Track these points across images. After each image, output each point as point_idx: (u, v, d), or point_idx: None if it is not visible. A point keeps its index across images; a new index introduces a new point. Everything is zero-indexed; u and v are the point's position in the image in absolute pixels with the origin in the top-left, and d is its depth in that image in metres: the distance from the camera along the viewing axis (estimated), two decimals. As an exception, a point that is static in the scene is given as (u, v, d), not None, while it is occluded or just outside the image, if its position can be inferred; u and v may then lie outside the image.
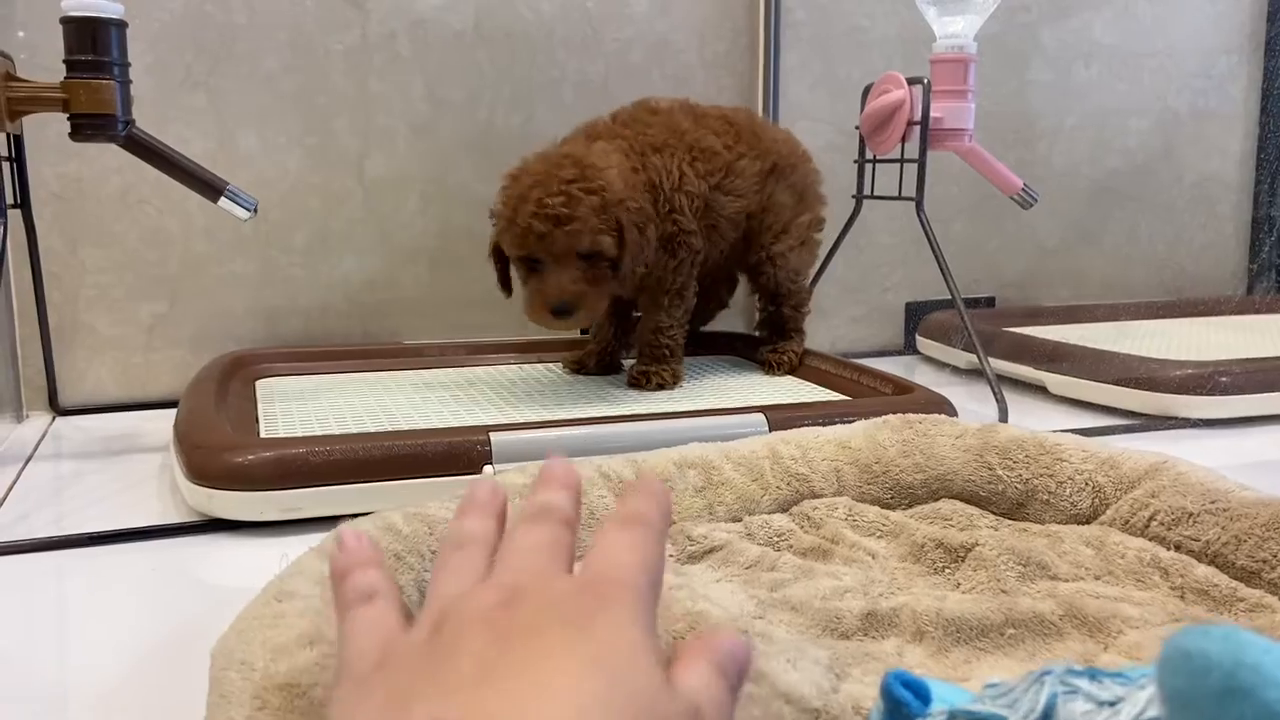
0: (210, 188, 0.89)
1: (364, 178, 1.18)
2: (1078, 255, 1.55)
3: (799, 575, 0.54)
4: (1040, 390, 1.13)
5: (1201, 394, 0.99)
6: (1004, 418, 0.96)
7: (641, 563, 0.30)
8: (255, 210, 0.90)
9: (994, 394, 0.97)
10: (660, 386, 1.00)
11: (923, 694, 0.36)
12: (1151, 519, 0.58)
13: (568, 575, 0.31)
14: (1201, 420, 0.99)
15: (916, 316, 1.40)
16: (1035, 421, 1.01)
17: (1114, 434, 0.98)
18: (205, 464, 0.73)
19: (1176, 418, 1.00)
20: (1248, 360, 1.06)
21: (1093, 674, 0.30)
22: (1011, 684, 0.32)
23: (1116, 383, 1.04)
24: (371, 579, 0.33)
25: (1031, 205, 1.14)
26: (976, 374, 1.19)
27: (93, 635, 0.57)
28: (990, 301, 1.49)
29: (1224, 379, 1.00)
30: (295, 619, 0.42)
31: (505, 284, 0.97)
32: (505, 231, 0.89)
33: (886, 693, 0.36)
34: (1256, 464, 0.89)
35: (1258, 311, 1.51)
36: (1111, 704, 0.28)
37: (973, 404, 1.02)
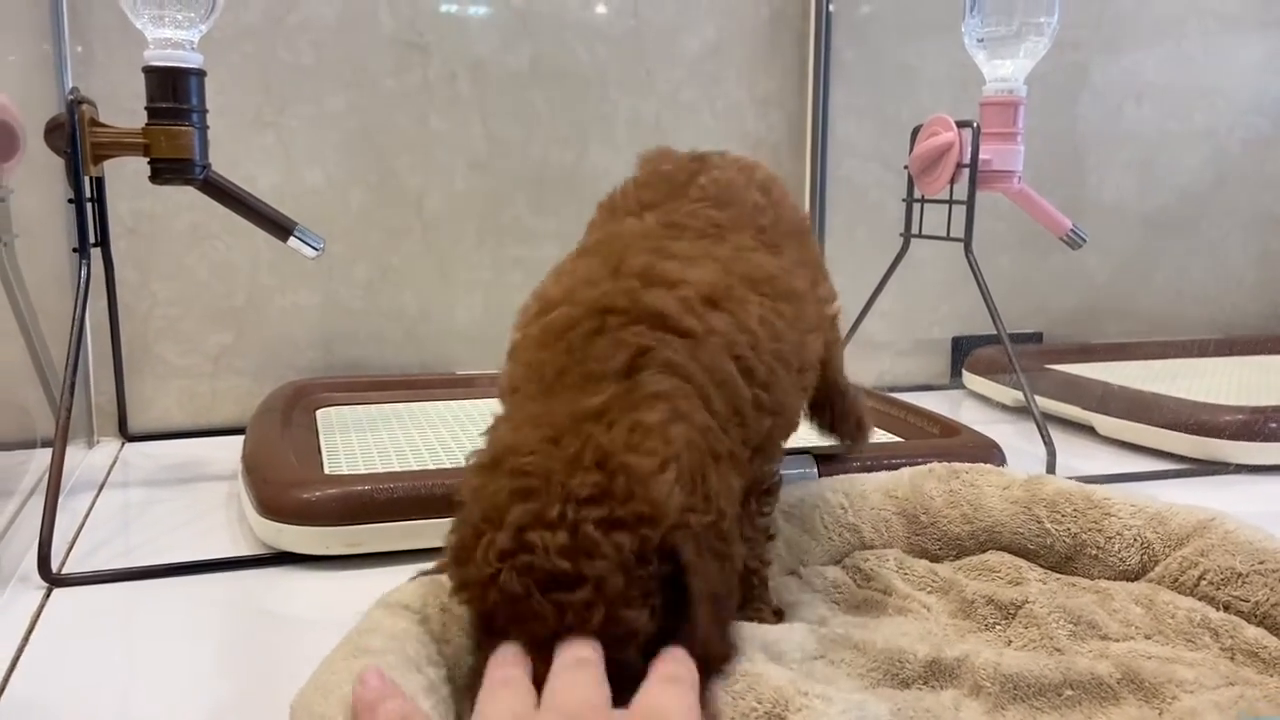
0: (280, 228, 0.92)
1: (423, 213, 1.21)
2: (1127, 292, 1.54)
3: (859, 628, 0.55)
4: (1088, 430, 1.13)
5: (1253, 440, 0.99)
6: (1052, 460, 0.96)
7: (682, 709, 0.36)
8: (323, 249, 0.94)
9: (1042, 436, 0.98)
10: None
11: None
12: (1201, 578, 0.59)
13: (615, 711, 0.37)
14: (1251, 466, 0.99)
15: (963, 350, 1.41)
16: (1083, 463, 1.01)
17: (1163, 479, 0.98)
18: (275, 499, 0.76)
19: (1227, 463, 0.99)
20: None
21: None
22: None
23: (1166, 426, 1.04)
24: (397, 707, 0.39)
25: (1080, 246, 1.15)
26: (1024, 411, 1.19)
27: (167, 668, 0.60)
28: (1038, 338, 1.49)
29: (1274, 424, 1.00)
30: None
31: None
32: (456, 579, 0.46)
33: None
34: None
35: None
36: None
37: (1020, 442, 1.02)
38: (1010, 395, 1.24)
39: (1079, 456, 1.05)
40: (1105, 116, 1.49)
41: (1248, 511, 0.64)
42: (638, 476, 0.45)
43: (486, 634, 0.46)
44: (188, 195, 1.03)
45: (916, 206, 1.17)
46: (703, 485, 0.48)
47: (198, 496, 0.92)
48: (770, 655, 0.50)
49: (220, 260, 1.15)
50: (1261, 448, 0.98)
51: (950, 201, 1.10)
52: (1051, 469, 0.95)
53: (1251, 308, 1.61)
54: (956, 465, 0.74)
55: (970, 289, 1.07)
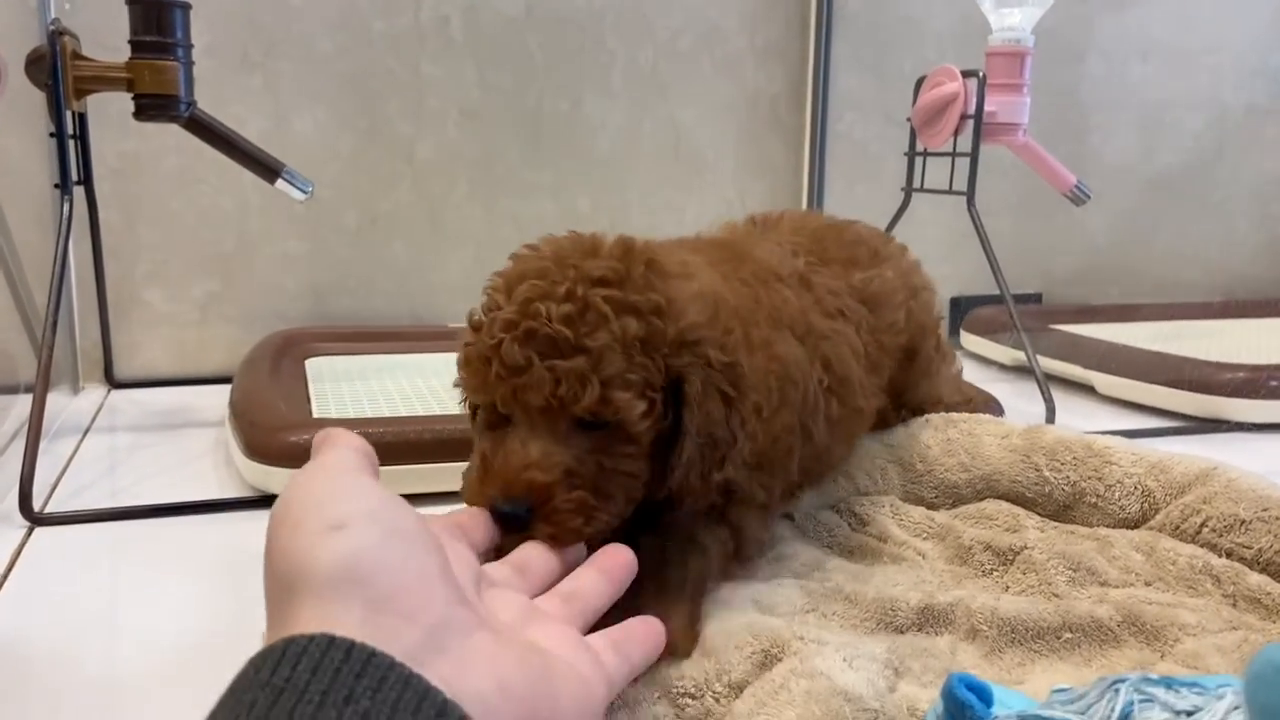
0: (268, 169, 0.90)
1: (414, 160, 1.19)
2: (1128, 253, 1.53)
3: (851, 579, 0.54)
4: (1088, 390, 1.12)
5: (1253, 398, 0.98)
6: (1051, 418, 0.95)
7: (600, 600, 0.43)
8: (311, 192, 0.92)
9: (1042, 393, 0.97)
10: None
11: (985, 697, 0.36)
12: (1203, 525, 0.58)
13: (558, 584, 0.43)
14: (1252, 424, 0.98)
15: (962, 310, 1.39)
16: (1082, 422, 1.00)
17: (1163, 436, 0.97)
18: (263, 442, 0.75)
19: (1227, 421, 0.99)
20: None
21: (1168, 683, 0.31)
22: (1081, 691, 0.33)
23: (1166, 384, 1.03)
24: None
25: (1084, 202, 1.13)
26: (1022, 371, 1.19)
27: (152, 607, 0.59)
28: (1037, 298, 1.47)
29: (1275, 383, 0.99)
30: None
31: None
32: (466, 357, 0.48)
33: (949, 695, 0.36)
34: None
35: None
36: (1189, 714, 0.29)
37: (1018, 402, 1.01)
38: (1009, 355, 1.23)
39: (1078, 414, 1.04)
40: (1111, 73, 1.47)
41: (1248, 468, 0.63)
42: (660, 272, 0.48)
43: (486, 430, 0.47)
44: (173, 136, 1.01)
45: (919, 160, 1.15)
46: (728, 334, 0.49)
47: (185, 442, 0.91)
48: (761, 609, 0.49)
49: (208, 205, 1.12)
50: (1262, 405, 0.97)
51: (954, 155, 1.08)
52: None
53: (1250, 271, 1.60)
54: (953, 415, 0.73)
55: (969, 248, 1.05)
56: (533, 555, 0.44)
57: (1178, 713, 0.29)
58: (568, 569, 0.44)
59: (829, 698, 0.40)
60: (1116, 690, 0.31)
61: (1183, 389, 1.01)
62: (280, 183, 0.91)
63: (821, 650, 0.43)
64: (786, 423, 0.53)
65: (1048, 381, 1.00)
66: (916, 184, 1.15)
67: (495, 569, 0.42)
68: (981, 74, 1.04)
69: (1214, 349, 1.15)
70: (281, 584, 0.29)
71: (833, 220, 0.74)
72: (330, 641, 0.25)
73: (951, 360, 0.81)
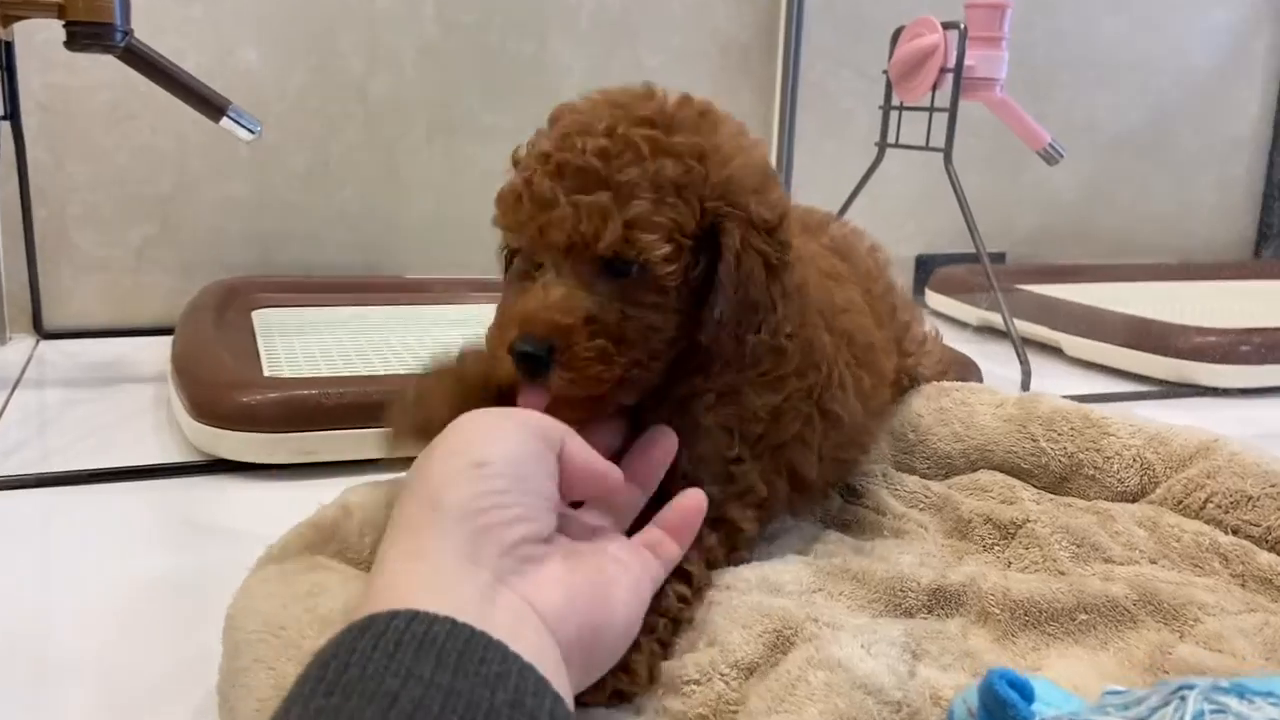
0: (212, 106, 0.84)
1: (368, 100, 1.12)
2: (1091, 212, 1.52)
3: (855, 554, 0.52)
4: (1055, 352, 1.11)
5: (1225, 363, 0.98)
6: (1026, 380, 0.94)
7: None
8: (260, 133, 0.85)
9: (1018, 356, 0.95)
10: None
11: (1027, 694, 0.34)
12: (1208, 501, 0.56)
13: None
14: (1223, 390, 0.98)
15: (927, 269, 1.37)
16: (1051, 384, 0.99)
17: (1133, 400, 0.96)
18: (212, 402, 0.70)
19: (1197, 386, 0.98)
20: (1269, 330, 1.04)
21: (1240, 690, 0.28)
22: (1140, 694, 0.30)
23: (1136, 347, 1.02)
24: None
25: (1057, 161, 1.11)
26: (990, 332, 1.17)
27: (89, 581, 0.54)
28: (1001, 258, 1.46)
29: (1246, 348, 0.99)
30: (338, 589, 0.40)
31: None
32: (501, 193, 0.46)
33: (989, 692, 0.34)
34: (1269, 435, 0.88)
35: (1265, 277, 1.50)
36: (1273, 730, 0.26)
37: (990, 365, 0.99)
38: (975, 315, 1.22)
39: (1048, 377, 1.03)
40: (1082, 29, 1.45)
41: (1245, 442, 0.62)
42: (712, 123, 0.46)
43: (515, 281, 0.47)
44: (106, 69, 0.94)
45: (894, 115, 1.12)
46: (780, 214, 0.47)
47: (122, 399, 0.85)
48: (768, 589, 0.46)
49: (143, 143, 1.05)
50: (1233, 370, 0.97)
51: (931, 109, 1.05)
52: (1026, 389, 0.93)
53: (1206, 233, 1.61)
54: (944, 384, 0.70)
55: (937, 206, 1.03)
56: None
57: (1263, 730, 0.27)
58: (605, 450, 0.43)
59: (850, 690, 0.37)
60: (1183, 698, 0.29)
61: (1154, 352, 1.01)
62: (226, 121, 0.84)
63: (838, 637, 0.41)
64: (796, 404, 0.50)
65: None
66: (891, 139, 1.12)
67: None
68: (962, 26, 1.00)
69: (1177, 312, 1.15)
70: (419, 499, 0.35)
71: None
72: (414, 616, 0.30)
73: (920, 320, 0.76)
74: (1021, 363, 0.95)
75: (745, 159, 0.46)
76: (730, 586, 0.45)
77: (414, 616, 0.29)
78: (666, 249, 0.43)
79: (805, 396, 0.50)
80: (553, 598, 0.34)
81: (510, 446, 0.37)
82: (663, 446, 0.46)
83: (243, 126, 0.85)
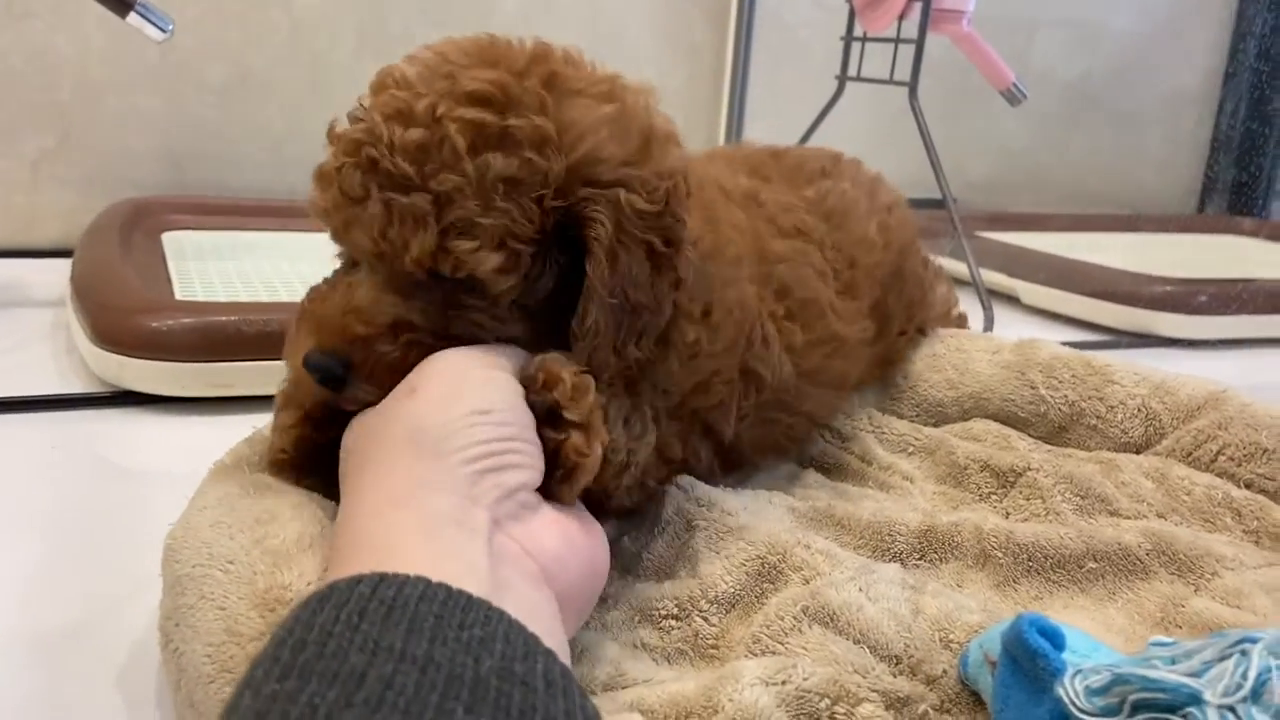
0: (119, 1, 0.75)
1: (292, 9, 1.03)
2: (1042, 160, 1.50)
3: (837, 497, 0.48)
4: (1010, 300, 1.09)
5: (1180, 312, 0.96)
6: (989, 327, 0.91)
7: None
8: (171, 32, 0.77)
9: (981, 303, 0.92)
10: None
11: (1058, 642, 0.30)
12: (1219, 453, 0.53)
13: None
14: (1180, 340, 0.96)
15: (877, 213, 1.33)
16: (1008, 331, 0.96)
17: (1093, 350, 0.94)
18: (116, 328, 0.62)
19: (1155, 335, 0.97)
20: (1223, 281, 1.03)
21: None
22: (1192, 646, 0.27)
23: (1095, 295, 1.00)
24: None
25: (1020, 102, 1.07)
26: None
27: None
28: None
29: (1203, 298, 0.97)
30: (289, 517, 0.36)
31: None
32: (319, 171, 0.39)
33: (1018, 641, 0.30)
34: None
35: (1211, 231, 1.50)
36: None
37: (949, 310, 0.96)
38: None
39: (1006, 325, 0.99)
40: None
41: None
42: (561, 91, 0.38)
43: (346, 269, 0.40)
44: (-6, -48, 0.83)
45: (856, 47, 1.06)
46: (667, 187, 0.38)
47: (16, 324, 0.78)
48: (752, 515, 0.42)
49: (40, 45, 0.95)
50: (1191, 320, 0.96)
51: (896, 40, 1.00)
52: (988, 334, 0.90)
53: (1155, 183, 1.60)
54: (939, 330, 0.67)
55: (893, 146, 0.98)
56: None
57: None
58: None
59: (849, 646, 0.34)
60: (1244, 652, 0.25)
61: (1112, 301, 0.99)
62: (133, 17, 0.75)
63: (834, 581, 0.37)
64: (720, 367, 0.44)
65: (970, 289, 0.95)
66: (852, 72, 1.07)
67: None
68: (934, -48, 0.95)
69: (1131, 262, 1.13)
70: (419, 442, 0.33)
71: (770, 147, 0.64)
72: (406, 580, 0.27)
73: (943, 278, 0.73)
74: (985, 309, 0.92)
75: (610, 130, 0.38)
76: (705, 517, 0.41)
77: (380, 580, 0.26)
78: (496, 259, 0.36)
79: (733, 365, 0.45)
80: (551, 544, 0.34)
81: (508, 395, 0.35)
82: None
83: (153, 24, 0.76)
